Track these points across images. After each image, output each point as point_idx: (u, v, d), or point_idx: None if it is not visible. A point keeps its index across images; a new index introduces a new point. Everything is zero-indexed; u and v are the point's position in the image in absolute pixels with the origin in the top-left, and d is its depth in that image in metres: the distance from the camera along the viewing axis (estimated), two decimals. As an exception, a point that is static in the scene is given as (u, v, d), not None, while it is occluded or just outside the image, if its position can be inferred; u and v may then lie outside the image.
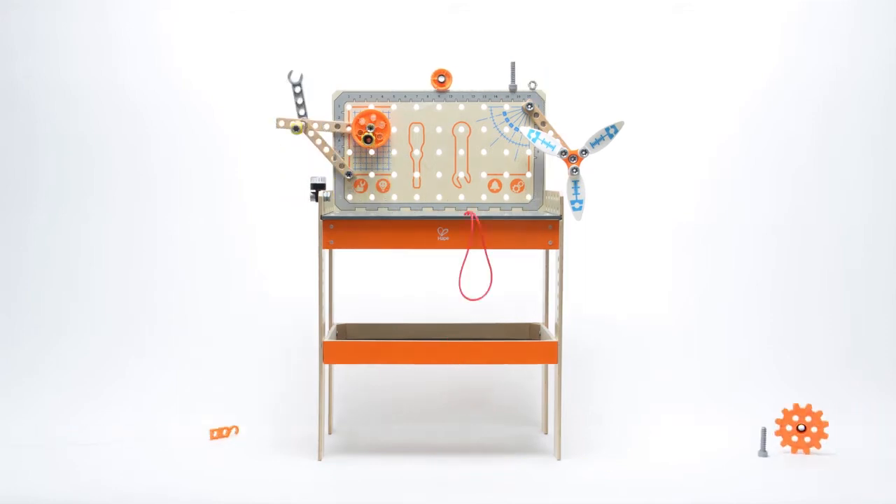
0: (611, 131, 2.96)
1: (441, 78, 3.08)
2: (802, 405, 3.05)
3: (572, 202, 3.00)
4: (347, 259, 3.37)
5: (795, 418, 3.04)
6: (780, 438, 3.06)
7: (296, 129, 2.99)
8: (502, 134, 3.12)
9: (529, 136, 3.00)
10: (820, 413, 3.03)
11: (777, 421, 3.06)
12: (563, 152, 2.99)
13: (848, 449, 3.07)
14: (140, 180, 3.90)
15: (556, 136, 3.08)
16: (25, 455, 2.99)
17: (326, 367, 3.13)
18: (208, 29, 3.88)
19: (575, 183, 3.00)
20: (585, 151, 2.98)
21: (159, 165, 3.89)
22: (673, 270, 3.88)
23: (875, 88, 3.88)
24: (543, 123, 3.11)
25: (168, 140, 3.90)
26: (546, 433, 3.29)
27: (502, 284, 3.75)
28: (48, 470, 2.87)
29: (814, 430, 3.02)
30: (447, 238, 2.93)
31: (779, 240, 3.90)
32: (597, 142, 2.98)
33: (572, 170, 2.98)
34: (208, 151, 3.90)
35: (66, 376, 3.61)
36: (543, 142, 2.99)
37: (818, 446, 3.04)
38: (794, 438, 3.04)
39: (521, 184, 3.13)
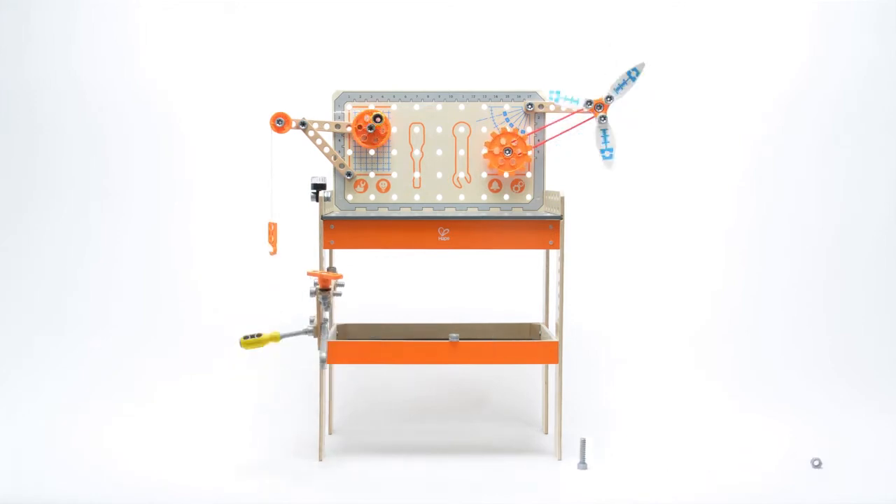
0: (632, 73, 2.96)
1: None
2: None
3: (602, 151, 2.99)
4: (348, 259, 3.37)
5: (503, 141, 3.02)
6: (488, 160, 3.07)
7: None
8: (502, 134, 3.12)
9: (551, 96, 2.99)
10: (521, 134, 3.02)
11: (486, 144, 3.05)
12: (588, 102, 2.98)
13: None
14: (140, 179, 3.91)
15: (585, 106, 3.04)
16: (51, 454, 3.00)
17: (326, 367, 3.13)
18: (208, 30, 3.89)
19: (604, 132, 2.98)
20: (610, 98, 2.97)
21: (161, 165, 3.90)
22: (674, 271, 3.88)
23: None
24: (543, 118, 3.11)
25: (166, 138, 3.91)
26: (546, 433, 3.29)
27: (502, 284, 3.77)
28: (59, 467, 2.88)
29: (518, 151, 3.00)
30: (447, 238, 2.93)
31: (780, 237, 3.91)
32: (620, 87, 2.97)
33: (600, 118, 2.98)
34: (208, 150, 3.91)
35: (72, 374, 3.62)
36: (566, 98, 2.98)
37: (524, 168, 3.06)
38: (501, 161, 3.03)
39: (521, 184, 3.13)
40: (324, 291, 2.89)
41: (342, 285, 2.98)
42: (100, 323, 3.81)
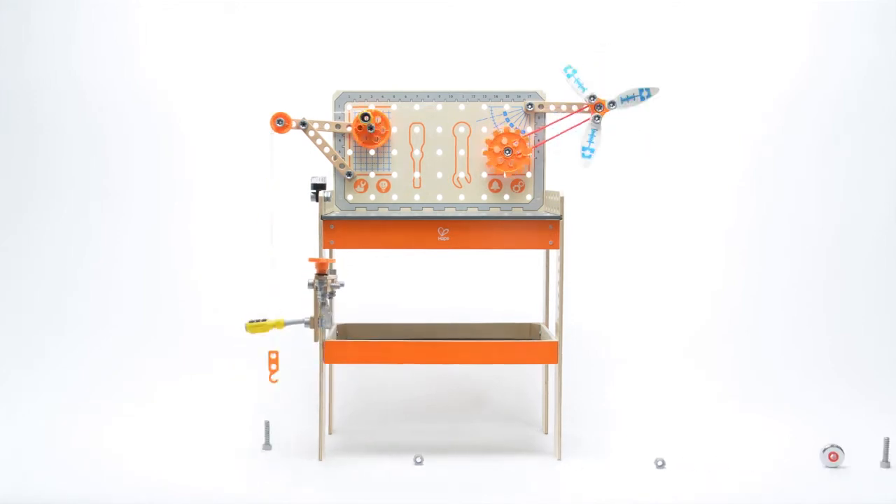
0: (644, 93, 2.93)
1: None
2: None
3: (584, 148, 2.97)
4: (348, 259, 3.37)
5: (505, 140, 3.02)
6: (486, 158, 3.07)
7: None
8: (502, 134, 3.12)
9: (566, 70, 2.98)
10: (525, 137, 3.02)
11: (487, 141, 3.05)
12: (591, 97, 2.97)
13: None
14: (140, 179, 3.91)
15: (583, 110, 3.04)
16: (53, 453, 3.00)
17: (326, 367, 3.13)
18: (208, 30, 3.89)
19: (593, 132, 2.97)
20: (613, 104, 2.96)
21: (161, 165, 3.91)
22: (674, 271, 3.88)
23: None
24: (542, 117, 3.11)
25: (166, 138, 3.91)
26: (546, 433, 3.29)
27: (502, 284, 3.77)
28: (59, 467, 2.88)
29: (519, 152, 3.00)
30: (447, 238, 2.93)
31: (780, 237, 3.91)
32: (627, 98, 2.95)
33: (594, 118, 2.97)
34: (208, 150, 3.91)
35: (72, 374, 3.62)
36: (577, 81, 2.96)
37: (524, 168, 3.06)
38: (500, 160, 3.04)
39: (521, 184, 3.13)
40: (320, 276, 2.89)
41: (341, 285, 2.98)
42: (100, 323, 3.81)
